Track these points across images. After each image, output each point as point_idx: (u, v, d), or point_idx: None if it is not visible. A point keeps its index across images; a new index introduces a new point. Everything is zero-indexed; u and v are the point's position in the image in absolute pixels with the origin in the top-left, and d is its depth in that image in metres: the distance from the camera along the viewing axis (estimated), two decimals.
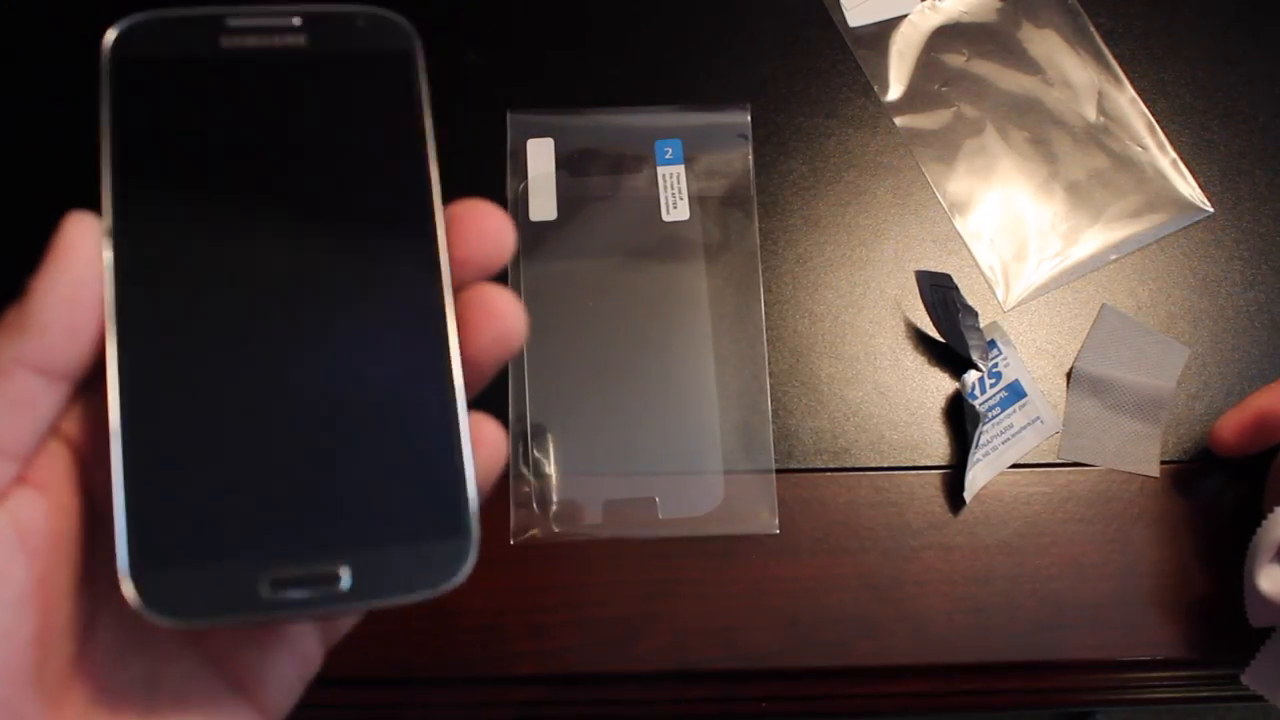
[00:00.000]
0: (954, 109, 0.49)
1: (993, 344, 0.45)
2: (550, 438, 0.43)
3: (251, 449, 0.25)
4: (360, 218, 0.27)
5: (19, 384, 0.23)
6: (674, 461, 0.43)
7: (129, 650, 0.25)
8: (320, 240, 0.27)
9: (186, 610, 0.23)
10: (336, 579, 0.24)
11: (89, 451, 0.25)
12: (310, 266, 0.26)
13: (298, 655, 0.27)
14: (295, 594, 0.24)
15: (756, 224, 0.47)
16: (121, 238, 0.25)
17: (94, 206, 0.25)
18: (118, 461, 0.24)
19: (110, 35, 0.27)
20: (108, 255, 0.25)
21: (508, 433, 0.35)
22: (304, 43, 0.28)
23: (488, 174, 0.47)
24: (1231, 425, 0.42)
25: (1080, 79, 0.50)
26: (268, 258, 0.26)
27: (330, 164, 0.28)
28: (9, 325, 0.24)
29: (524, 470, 0.43)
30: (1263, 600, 0.38)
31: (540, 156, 0.47)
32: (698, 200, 0.47)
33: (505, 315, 0.27)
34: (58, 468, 0.25)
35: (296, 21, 0.28)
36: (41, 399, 0.24)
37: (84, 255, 0.24)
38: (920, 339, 0.46)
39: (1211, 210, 0.48)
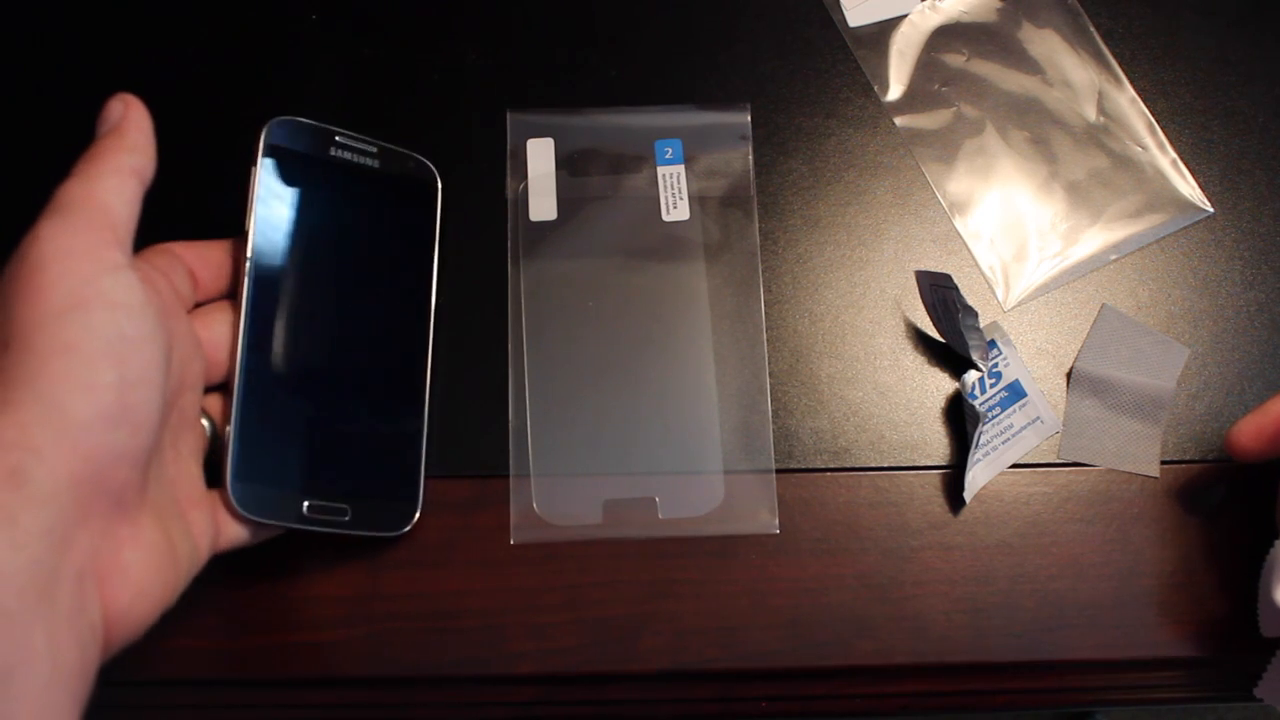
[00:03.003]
0: (954, 109, 0.49)
1: (993, 344, 0.45)
2: (550, 438, 0.43)
3: (305, 429, 0.40)
4: (384, 286, 0.43)
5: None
6: (674, 461, 0.43)
7: (150, 486, 0.34)
8: (362, 294, 0.43)
9: (258, 512, 0.38)
10: (344, 513, 0.40)
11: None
12: (353, 309, 0.42)
13: (214, 527, 0.37)
14: (318, 516, 0.39)
15: (756, 224, 0.47)
16: (257, 259, 0.40)
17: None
18: (235, 414, 0.38)
19: (266, 126, 0.42)
20: (249, 264, 0.39)
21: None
22: (376, 165, 0.44)
23: (488, 174, 0.47)
24: (1251, 430, 0.40)
25: (1080, 79, 0.50)
26: (330, 294, 0.42)
27: (376, 238, 0.44)
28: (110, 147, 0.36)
29: (524, 470, 0.43)
30: (1277, 612, 0.38)
31: (540, 156, 0.47)
32: (698, 200, 0.47)
33: None
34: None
35: (375, 150, 0.44)
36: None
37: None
38: (920, 339, 0.46)
39: (1211, 210, 0.48)
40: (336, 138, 0.43)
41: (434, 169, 0.45)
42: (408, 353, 0.43)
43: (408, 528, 0.42)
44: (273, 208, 0.41)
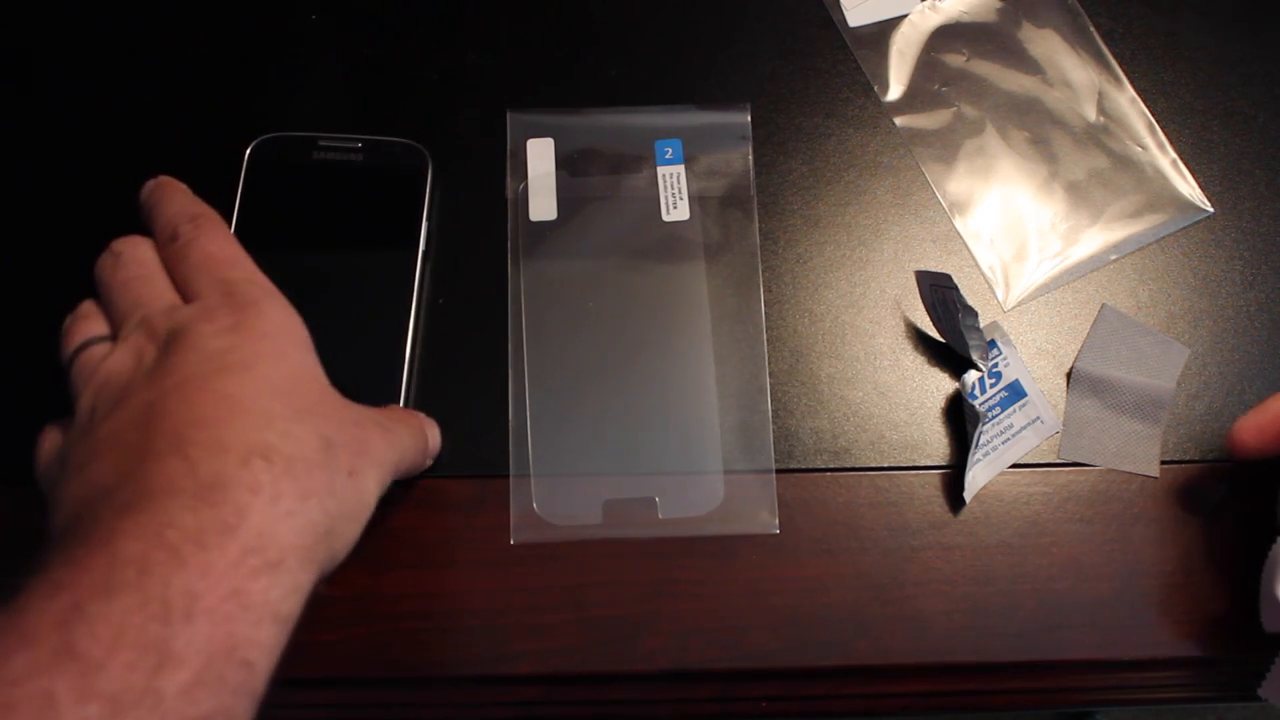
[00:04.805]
0: (954, 109, 0.49)
1: (993, 344, 0.45)
2: (550, 438, 0.43)
3: None
4: (374, 258, 0.45)
5: None
6: (674, 461, 0.43)
7: None
8: (352, 272, 0.45)
9: None
10: None
11: None
12: (345, 288, 0.44)
13: None
14: None
15: (756, 224, 0.47)
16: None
17: None
18: None
19: (250, 145, 0.46)
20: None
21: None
22: (362, 158, 0.46)
23: (488, 174, 0.47)
24: (1252, 428, 0.40)
25: (1080, 79, 0.50)
26: (319, 279, 0.44)
27: (367, 225, 0.45)
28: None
29: (524, 470, 0.43)
30: (1279, 608, 0.38)
31: (540, 156, 0.47)
32: (698, 200, 0.47)
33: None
34: None
35: (359, 145, 0.46)
36: None
37: None
38: (920, 339, 0.46)
39: (1211, 210, 0.48)
40: (319, 141, 0.46)
41: (422, 148, 0.46)
42: (388, 322, 0.44)
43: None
44: (260, 221, 0.44)
